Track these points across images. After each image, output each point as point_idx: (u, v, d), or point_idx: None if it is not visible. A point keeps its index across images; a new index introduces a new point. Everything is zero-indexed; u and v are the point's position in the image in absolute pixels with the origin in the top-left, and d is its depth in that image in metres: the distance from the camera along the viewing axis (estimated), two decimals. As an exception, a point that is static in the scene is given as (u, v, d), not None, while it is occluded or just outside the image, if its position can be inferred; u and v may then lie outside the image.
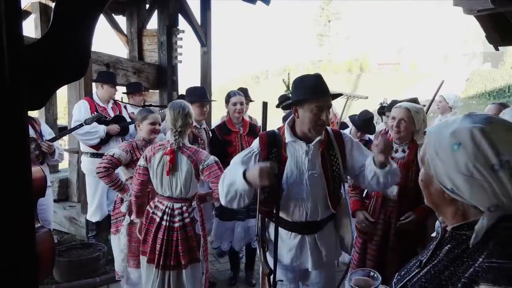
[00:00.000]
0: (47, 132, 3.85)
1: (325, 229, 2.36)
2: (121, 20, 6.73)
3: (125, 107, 4.98)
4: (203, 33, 6.64)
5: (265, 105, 2.83)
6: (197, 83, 6.84)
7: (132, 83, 5.36)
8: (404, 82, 27.34)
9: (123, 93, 5.38)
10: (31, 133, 3.64)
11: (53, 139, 3.74)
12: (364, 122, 4.28)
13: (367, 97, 4.31)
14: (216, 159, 2.89)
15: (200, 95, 3.94)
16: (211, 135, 4.03)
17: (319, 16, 41.55)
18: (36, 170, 3.01)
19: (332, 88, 4.28)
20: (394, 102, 4.37)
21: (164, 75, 6.16)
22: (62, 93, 5.34)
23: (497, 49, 3.87)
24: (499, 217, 0.92)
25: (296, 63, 36.81)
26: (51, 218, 3.85)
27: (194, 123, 3.69)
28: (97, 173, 3.05)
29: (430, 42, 32.18)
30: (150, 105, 5.48)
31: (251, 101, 4.92)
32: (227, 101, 3.93)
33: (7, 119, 1.02)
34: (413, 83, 26.07)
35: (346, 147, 2.35)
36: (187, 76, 7.01)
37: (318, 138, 2.25)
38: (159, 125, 3.38)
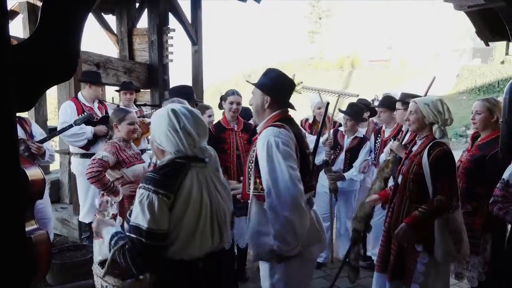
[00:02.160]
0: (38, 133, 3.78)
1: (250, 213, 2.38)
2: (111, 19, 6.68)
3: (118, 106, 4.94)
4: (193, 31, 6.61)
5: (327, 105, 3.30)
6: (189, 82, 6.81)
7: (128, 82, 5.30)
8: (395, 78, 27.48)
9: (116, 91, 5.33)
10: (21, 133, 3.57)
11: (42, 140, 3.68)
12: (351, 108, 4.26)
13: (357, 95, 4.29)
14: None
15: (186, 95, 3.62)
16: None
17: (309, 13, 41.58)
18: (36, 172, 2.96)
19: (323, 85, 4.31)
20: (387, 97, 4.35)
21: (155, 75, 6.13)
22: (52, 94, 5.29)
23: (487, 45, 3.90)
24: (184, 157, 1.75)
25: (288, 60, 36.83)
26: (51, 214, 3.79)
27: None
28: (88, 178, 3.02)
29: (420, 38, 32.35)
30: (145, 105, 5.44)
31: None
32: (224, 99, 3.92)
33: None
34: (404, 79, 26.20)
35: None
36: (179, 75, 6.98)
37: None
38: (138, 124, 3.41)
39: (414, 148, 2.86)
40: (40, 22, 1.16)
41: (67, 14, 1.18)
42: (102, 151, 3.14)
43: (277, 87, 2.36)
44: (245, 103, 4.97)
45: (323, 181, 4.40)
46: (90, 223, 4.56)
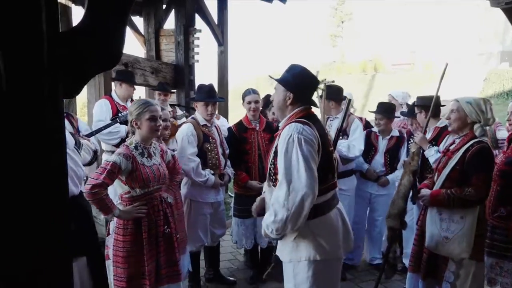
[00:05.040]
0: (84, 128, 3.88)
1: None
2: (138, 20, 6.78)
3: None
4: (220, 32, 6.65)
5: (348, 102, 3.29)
6: (214, 83, 6.85)
7: (165, 83, 5.37)
8: (419, 82, 26.97)
9: (152, 89, 5.42)
10: (69, 128, 3.65)
11: (90, 135, 3.77)
12: (382, 106, 4.20)
13: (333, 81, 4.15)
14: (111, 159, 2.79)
15: (206, 94, 3.69)
16: (227, 132, 4.01)
17: (332, 17, 41.32)
18: None
19: (347, 89, 4.23)
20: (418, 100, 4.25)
21: (181, 75, 6.18)
22: (81, 93, 5.38)
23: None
24: None
25: (310, 64, 36.67)
26: None
27: (204, 122, 3.66)
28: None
29: (443, 42, 31.75)
30: (178, 105, 5.50)
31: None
32: (243, 99, 3.93)
33: (46, 105, 1.02)
34: (428, 83, 25.72)
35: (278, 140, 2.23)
36: (204, 76, 7.04)
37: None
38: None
39: (452, 147, 2.85)
40: (87, 10, 1.17)
41: (114, 2, 1.20)
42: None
43: (300, 83, 2.32)
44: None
45: (343, 185, 4.30)
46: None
